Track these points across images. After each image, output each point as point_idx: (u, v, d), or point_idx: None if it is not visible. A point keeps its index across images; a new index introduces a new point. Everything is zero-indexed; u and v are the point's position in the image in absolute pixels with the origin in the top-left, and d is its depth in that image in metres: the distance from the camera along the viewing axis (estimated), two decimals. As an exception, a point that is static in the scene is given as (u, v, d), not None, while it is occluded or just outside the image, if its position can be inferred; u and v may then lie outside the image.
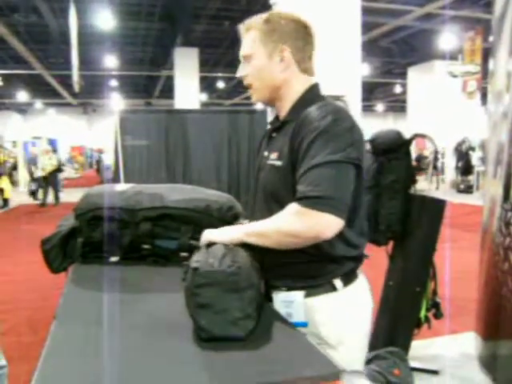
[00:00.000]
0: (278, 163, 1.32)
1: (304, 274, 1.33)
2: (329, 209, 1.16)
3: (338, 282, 1.33)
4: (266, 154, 1.41)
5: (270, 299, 1.36)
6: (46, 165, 12.62)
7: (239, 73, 1.41)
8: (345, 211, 1.20)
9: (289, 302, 1.33)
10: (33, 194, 13.44)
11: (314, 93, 1.39)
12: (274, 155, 1.35)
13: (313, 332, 1.31)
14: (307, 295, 1.32)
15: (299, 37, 1.37)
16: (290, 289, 1.33)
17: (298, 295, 1.32)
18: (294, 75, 1.37)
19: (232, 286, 1.08)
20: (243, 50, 1.39)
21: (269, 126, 1.50)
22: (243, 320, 1.08)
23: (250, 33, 1.37)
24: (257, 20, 1.37)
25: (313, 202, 1.16)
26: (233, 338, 1.06)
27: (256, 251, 1.27)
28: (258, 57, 1.36)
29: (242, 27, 1.40)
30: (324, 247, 1.28)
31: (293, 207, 1.20)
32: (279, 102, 1.40)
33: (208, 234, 1.31)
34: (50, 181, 12.72)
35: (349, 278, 1.35)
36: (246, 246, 1.28)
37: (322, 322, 1.32)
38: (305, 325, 1.31)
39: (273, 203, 1.32)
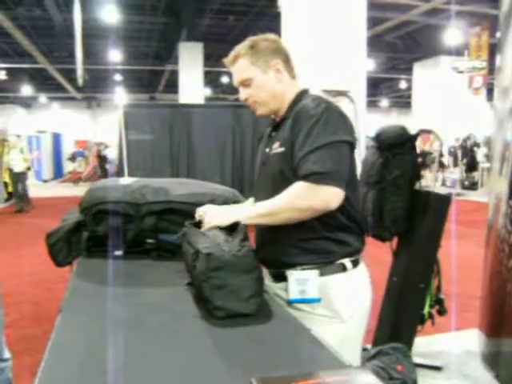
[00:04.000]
0: (281, 149, 1.48)
1: (316, 250, 1.46)
2: (334, 182, 1.34)
3: (348, 263, 1.49)
4: (267, 150, 1.57)
5: (283, 278, 1.48)
6: (16, 160, 10.37)
7: (242, 97, 1.56)
8: (344, 184, 1.37)
9: (304, 279, 1.45)
10: None
11: (305, 93, 1.57)
12: (276, 145, 1.51)
13: (327, 306, 1.46)
14: (321, 274, 1.46)
15: (281, 51, 1.56)
16: (304, 268, 1.46)
17: (312, 273, 1.45)
18: (288, 82, 1.56)
19: (243, 267, 1.18)
20: (239, 77, 1.54)
21: (268, 129, 1.68)
22: (254, 298, 1.19)
23: (239, 61, 1.53)
24: (242, 48, 1.53)
25: (320, 177, 1.33)
26: (245, 314, 1.16)
27: (269, 231, 1.46)
28: (255, 77, 1.52)
29: (227, 60, 1.55)
30: (330, 221, 1.44)
31: (301, 184, 1.35)
32: (280, 108, 1.56)
33: (213, 219, 1.42)
34: (21, 180, 10.53)
35: (356, 261, 1.52)
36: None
37: (336, 298, 1.47)
38: (318, 300, 1.45)
39: (282, 183, 1.44)
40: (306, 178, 1.34)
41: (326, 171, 1.33)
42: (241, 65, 1.52)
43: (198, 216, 1.48)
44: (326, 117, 1.40)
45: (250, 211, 1.44)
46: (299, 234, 1.46)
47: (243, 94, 1.55)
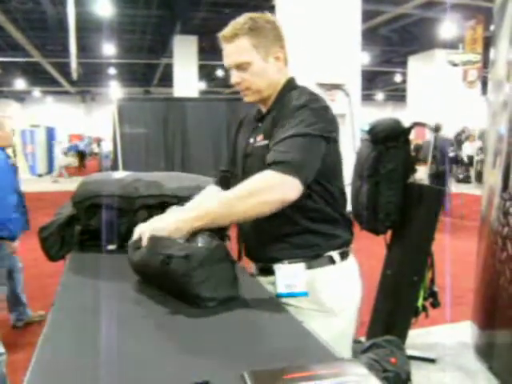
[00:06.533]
0: (265, 142, 1.43)
1: (303, 244, 1.44)
2: (293, 173, 1.25)
3: (336, 256, 1.46)
4: (251, 140, 1.52)
5: (271, 272, 1.46)
6: None
7: (234, 80, 1.45)
8: (309, 177, 1.30)
9: (291, 273, 1.43)
10: None
11: (292, 83, 1.51)
12: (260, 137, 1.46)
13: (312, 300, 1.43)
14: (308, 267, 1.43)
15: (281, 36, 1.46)
16: (291, 261, 1.43)
17: (299, 267, 1.43)
18: (283, 71, 1.48)
19: (219, 257, 1.22)
20: (236, 59, 1.41)
21: (249, 117, 1.62)
22: (234, 282, 1.23)
23: (238, 41, 1.40)
24: (241, 27, 1.39)
25: (280, 166, 1.25)
26: (232, 298, 1.21)
27: (254, 226, 1.44)
28: (254, 63, 1.41)
29: (224, 36, 1.41)
30: (316, 215, 1.43)
31: (258, 177, 1.27)
32: (269, 97, 1.49)
33: (156, 229, 1.27)
34: None
35: (344, 253, 1.49)
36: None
37: (323, 291, 1.44)
38: (305, 294, 1.42)
39: None
40: (269, 166, 1.27)
41: (288, 160, 1.25)
42: (240, 46, 1.39)
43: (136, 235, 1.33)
44: (305, 108, 1.34)
45: (195, 211, 1.29)
46: (285, 229, 1.43)
47: (236, 77, 1.43)
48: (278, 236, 1.44)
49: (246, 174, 1.51)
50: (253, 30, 1.39)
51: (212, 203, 1.30)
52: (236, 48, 1.40)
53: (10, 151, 3.75)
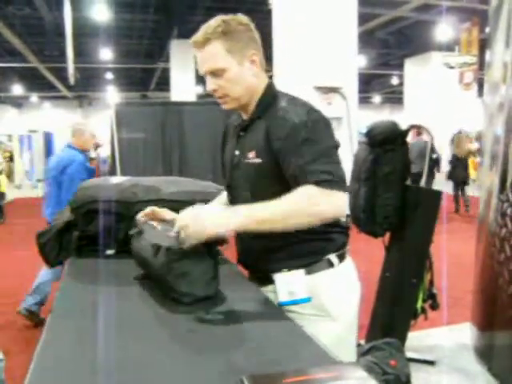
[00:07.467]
0: (258, 161, 1.38)
1: (301, 252, 1.43)
2: (344, 189, 1.26)
3: (334, 259, 1.45)
4: (237, 152, 1.47)
5: (270, 281, 1.44)
6: None
7: (211, 87, 1.39)
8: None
9: (291, 281, 1.41)
10: None
11: (273, 89, 1.46)
12: (251, 154, 1.40)
13: (316, 305, 1.41)
14: (308, 272, 1.42)
15: (256, 39, 1.41)
16: (290, 269, 1.42)
17: (299, 274, 1.41)
18: (259, 75, 1.43)
19: (200, 255, 1.24)
20: (210, 66, 1.36)
21: (233, 125, 1.58)
22: (214, 281, 1.27)
23: (211, 46, 1.34)
24: (213, 31, 1.33)
25: (333, 184, 1.24)
26: (208, 297, 1.25)
27: (252, 237, 1.39)
28: (230, 68, 1.35)
29: (195, 42, 1.37)
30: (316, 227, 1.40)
31: (313, 190, 1.23)
32: (249, 103, 1.44)
33: (196, 226, 1.17)
34: None
35: (342, 255, 1.48)
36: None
37: (325, 295, 1.43)
38: (308, 300, 1.41)
39: (262, 194, 1.29)
40: (318, 184, 1.22)
41: (336, 178, 1.25)
42: (213, 52, 1.34)
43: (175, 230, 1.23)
44: (314, 123, 1.31)
45: (241, 216, 1.22)
46: (284, 240, 1.39)
47: (212, 84, 1.38)
48: (277, 247, 1.42)
49: (235, 187, 1.50)
50: (226, 34, 1.33)
51: (255, 215, 1.23)
52: (209, 54, 1.35)
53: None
